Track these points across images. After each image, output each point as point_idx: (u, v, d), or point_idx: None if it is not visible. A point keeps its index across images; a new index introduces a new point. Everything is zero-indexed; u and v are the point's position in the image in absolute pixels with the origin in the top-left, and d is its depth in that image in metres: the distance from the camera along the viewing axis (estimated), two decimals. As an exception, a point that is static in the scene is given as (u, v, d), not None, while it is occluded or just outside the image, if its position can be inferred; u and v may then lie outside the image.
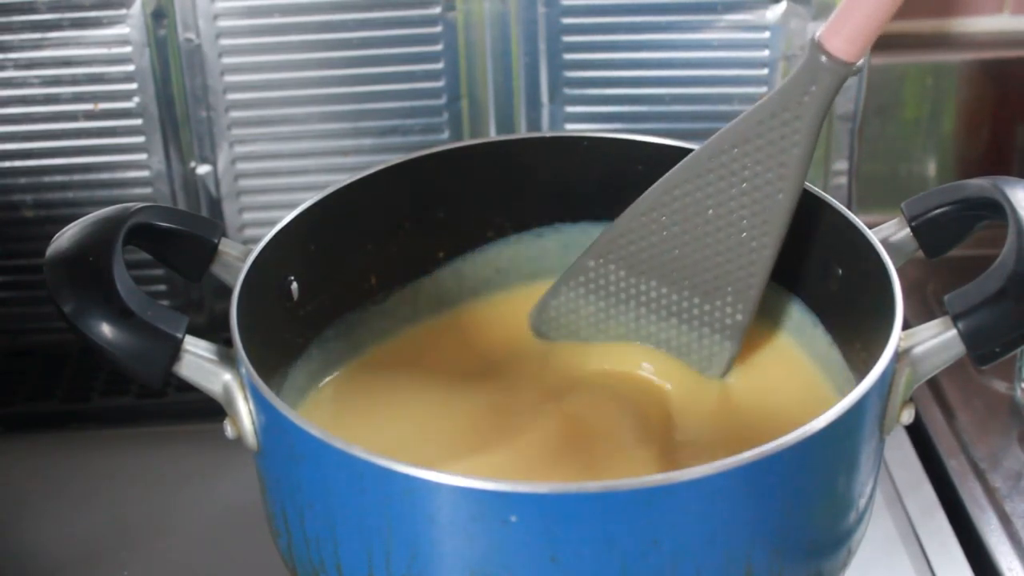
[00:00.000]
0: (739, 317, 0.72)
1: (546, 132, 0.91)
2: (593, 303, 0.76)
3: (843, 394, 0.59)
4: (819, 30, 0.66)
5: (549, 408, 0.71)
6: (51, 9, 0.87)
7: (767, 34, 0.89)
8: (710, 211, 0.71)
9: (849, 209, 0.71)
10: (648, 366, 0.76)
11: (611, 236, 0.74)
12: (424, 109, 0.90)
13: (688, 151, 0.75)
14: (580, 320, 0.77)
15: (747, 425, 0.71)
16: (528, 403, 0.72)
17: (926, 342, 0.62)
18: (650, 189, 0.72)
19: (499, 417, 0.71)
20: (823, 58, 0.65)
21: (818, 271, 0.73)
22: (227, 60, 0.88)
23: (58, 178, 0.91)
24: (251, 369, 0.61)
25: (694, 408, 0.72)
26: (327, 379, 0.75)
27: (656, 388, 0.74)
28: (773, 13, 0.88)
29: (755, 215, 0.70)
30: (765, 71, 0.89)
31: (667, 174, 0.72)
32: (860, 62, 0.67)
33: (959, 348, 0.62)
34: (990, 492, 0.79)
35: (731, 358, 0.74)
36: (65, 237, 0.64)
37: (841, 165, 0.92)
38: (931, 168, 1.01)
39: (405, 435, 0.70)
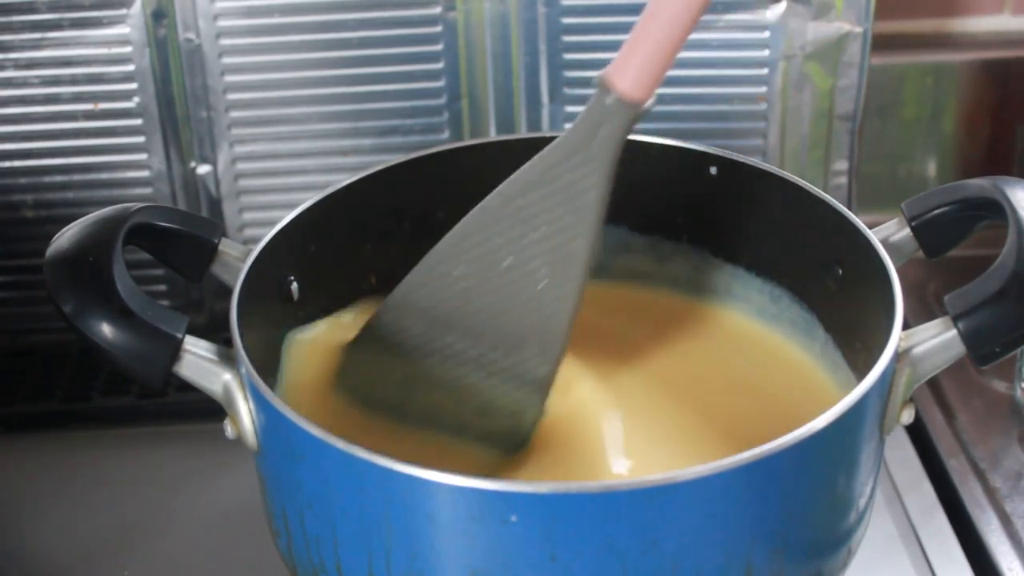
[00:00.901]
0: (543, 370, 0.67)
1: (546, 132, 0.91)
2: (393, 362, 0.70)
3: (843, 394, 0.59)
4: (606, 69, 0.62)
5: (554, 402, 0.71)
6: (51, 9, 0.87)
7: (767, 34, 0.89)
8: (505, 262, 0.66)
9: (849, 209, 0.71)
10: None
11: (404, 291, 0.70)
12: (424, 109, 0.90)
13: (689, 151, 0.75)
14: (388, 386, 0.71)
15: (747, 425, 0.71)
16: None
17: (926, 342, 0.62)
18: (443, 239, 0.68)
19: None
20: (610, 99, 0.62)
21: (818, 271, 0.73)
22: (227, 60, 0.88)
23: (58, 178, 0.91)
24: (251, 369, 0.61)
25: (696, 408, 0.72)
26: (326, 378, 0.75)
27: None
28: (773, 13, 0.88)
29: (553, 264, 0.65)
30: (765, 71, 0.89)
31: (460, 222, 0.68)
32: (650, 102, 0.63)
33: (959, 348, 0.62)
34: (990, 492, 0.79)
35: (537, 415, 0.68)
36: (65, 237, 0.64)
37: (841, 165, 0.92)
38: (931, 168, 1.01)
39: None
